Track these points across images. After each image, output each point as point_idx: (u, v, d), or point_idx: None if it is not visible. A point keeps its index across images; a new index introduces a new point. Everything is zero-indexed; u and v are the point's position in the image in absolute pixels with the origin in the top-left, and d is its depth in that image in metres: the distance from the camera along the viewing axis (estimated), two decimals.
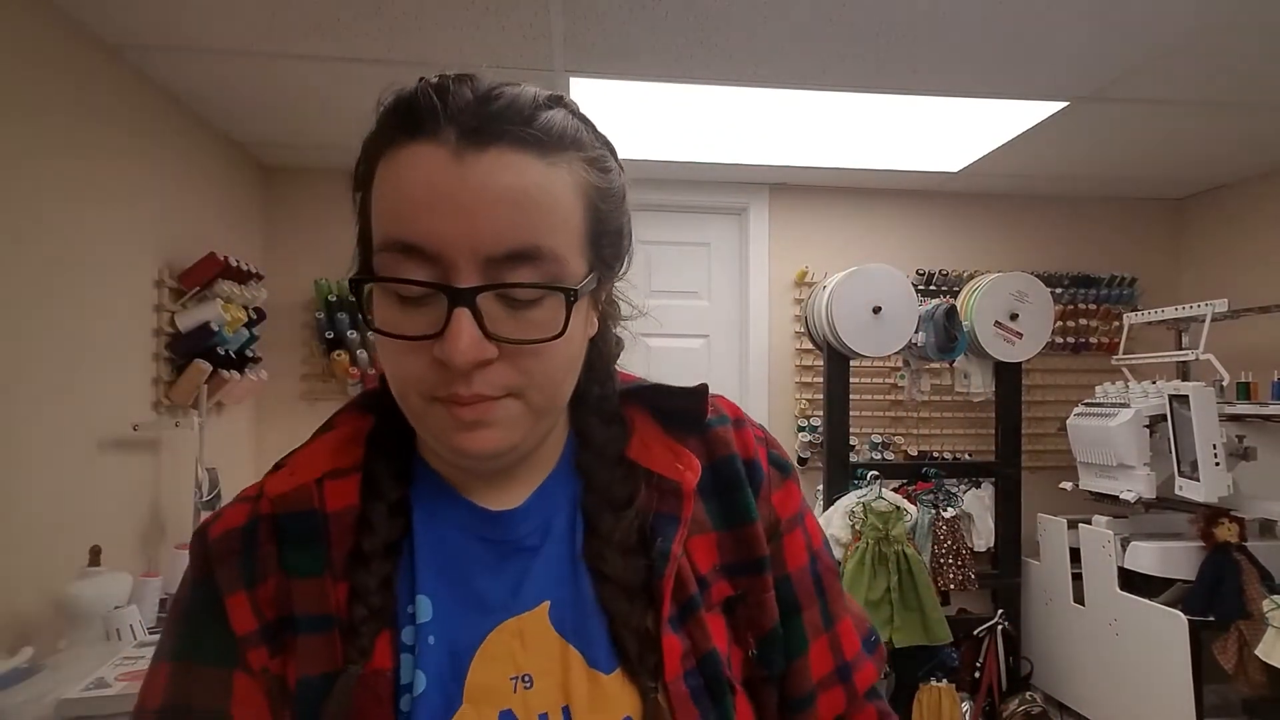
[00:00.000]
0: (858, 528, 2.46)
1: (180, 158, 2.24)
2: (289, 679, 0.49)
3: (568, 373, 0.52)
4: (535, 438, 0.53)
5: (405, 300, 0.47)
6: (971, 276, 2.93)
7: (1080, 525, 2.60)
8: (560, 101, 0.51)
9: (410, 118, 0.47)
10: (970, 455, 3.05)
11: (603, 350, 0.60)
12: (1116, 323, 3.04)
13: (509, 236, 0.46)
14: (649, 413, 0.60)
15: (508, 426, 0.49)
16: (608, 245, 0.54)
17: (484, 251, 0.45)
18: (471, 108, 0.46)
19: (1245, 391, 2.42)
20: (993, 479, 2.81)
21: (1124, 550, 2.42)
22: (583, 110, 0.53)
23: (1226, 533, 2.24)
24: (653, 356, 2.98)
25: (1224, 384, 2.38)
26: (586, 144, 0.51)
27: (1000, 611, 2.67)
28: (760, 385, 3.04)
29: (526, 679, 0.50)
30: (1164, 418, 2.33)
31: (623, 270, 0.58)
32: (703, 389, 0.59)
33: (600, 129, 0.54)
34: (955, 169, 2.81)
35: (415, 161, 0.46)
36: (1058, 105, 2.20)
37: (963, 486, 2.83)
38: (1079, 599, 2.59)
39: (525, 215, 0.46)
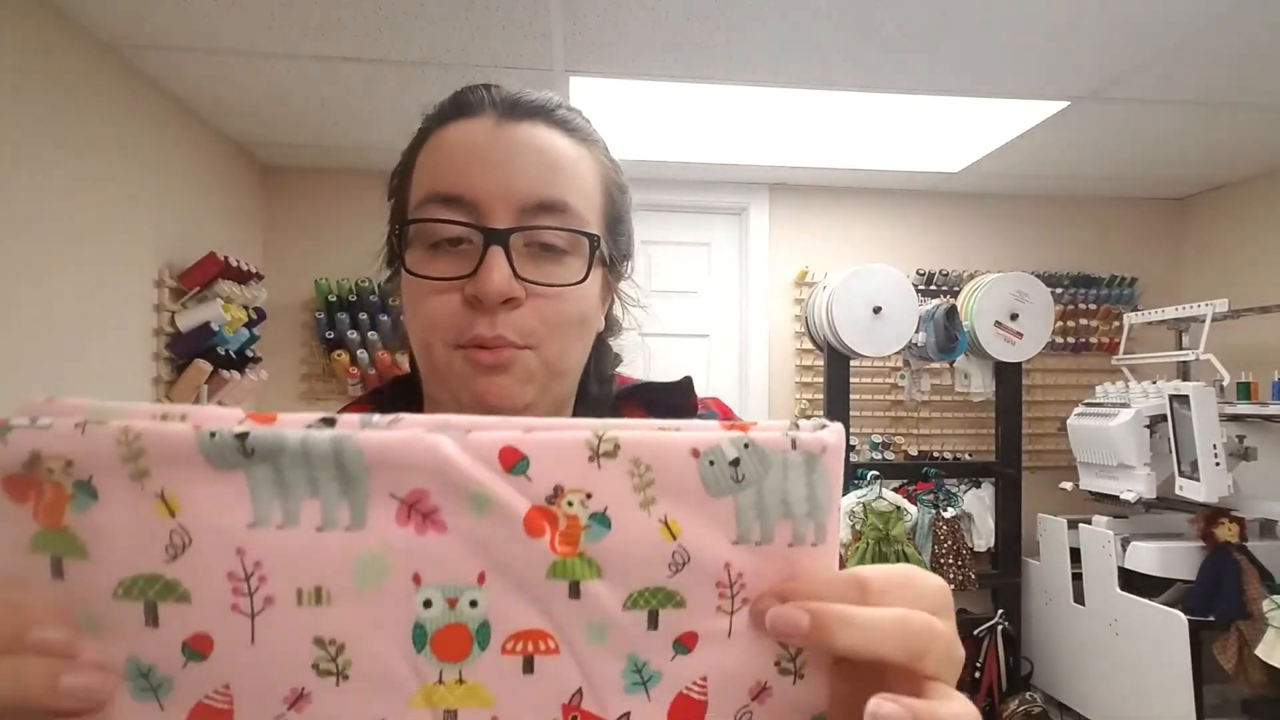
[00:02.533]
0: (858, 528, 2.47)
1: (180, 158, 2.24)
2: None
3: (580, 333, 0.54)
4: (543, 406, 0.54)
5: (438, 249, 0.51)
6: (971, 276, 2.93)
7: (1080, 525, 2.59)
8: (580, 113, 0.58)
9: (455, 105, 0.54)
10: (970, 455, 3.04)
11: (607, 348, 0.64)
12: (1116, 323, 3.04)
13: (540, 189, 0.51)
14: (644, 410, 0.62)
15: (523, 379, 0.51)
16: (621, 235, 0.58)
17: (517, 201, 0.50)
18: (509, 98, 0.54)
19: (1245, 391, 2.42)
20: (993, 479, 2.81)
21: (1124, 550, 2.42)
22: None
23: (1227, 533, 2.24)
24: (653, 356, 2.98)
25: (1224, 384, 2.38)
26: (601, 143, 0.58)
27: (1000, 611, 2.67)
28: (760, 385, 3.04)
29: None
30: (1164, 418, 2.33)
31: (628, 270, 0.62)
32: (687, 381, 0.62)
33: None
34: (955, 169, 2.81)
35: (458, 132, 0.53)
36: (1058, 105, 2.20)
37: (963, 486, 2.83)
38: (1079, 599, 2.59)
39: (555, 173, 0.51)
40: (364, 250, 0.57)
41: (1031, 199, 3.19)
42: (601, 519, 0.33)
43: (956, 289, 2.89)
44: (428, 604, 0.32)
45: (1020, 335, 2.66)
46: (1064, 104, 2.19)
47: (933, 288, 2.99)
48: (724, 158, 2.74)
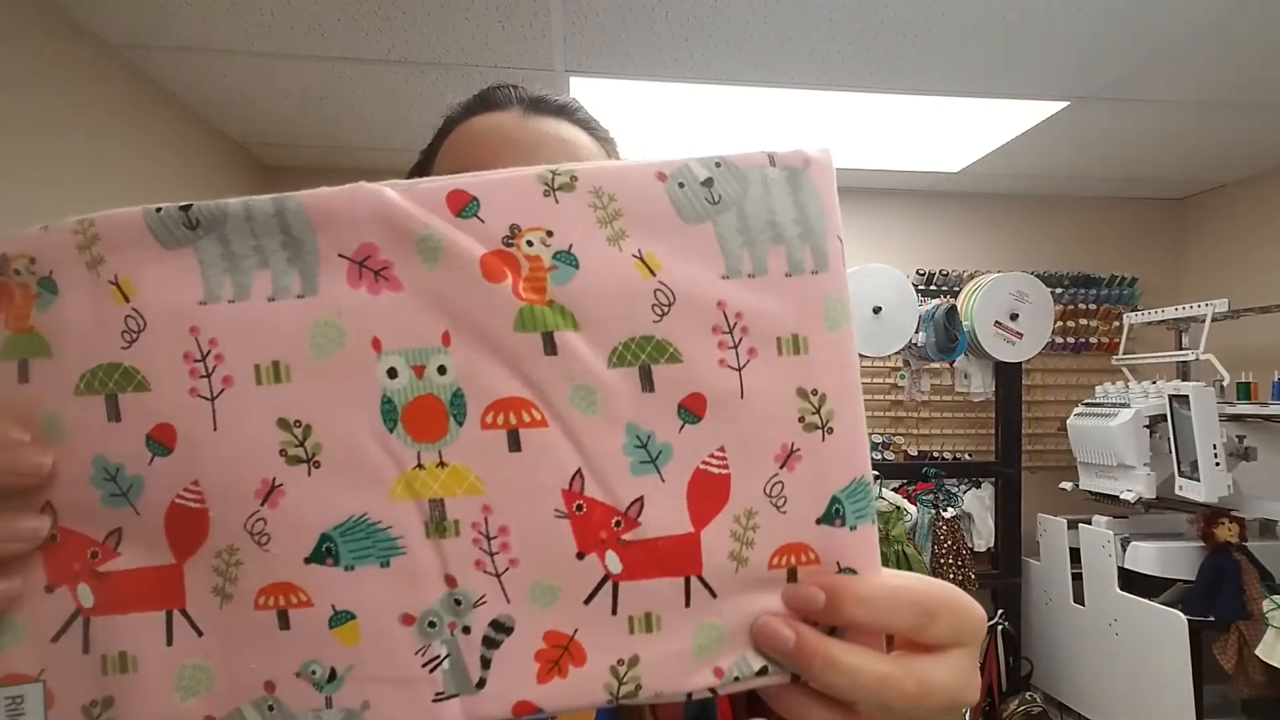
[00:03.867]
0: None
1: (180, 158, 2.23)
2: None
3: None
4: None
5: None
6: (971, 276, 2.93)
7: (1080, 525, 2.59)
8: (599, 122, 0.61)
9: (481, 101, 0.57)
10: (970, 455, 3.04)
11: None
12: (1116, 323, 3.04)
13: None
14: None
15: None
16: None
17: None
18: (534, 96, 0.57)
19: (1245, 391, 2.41)
20: (993, 479, 2.81)
21: (1124, 550, 2.42)
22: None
23: (1226, 533, 2.24)
24: None
25: (1224, 384, 2.38)
26: (617, 147, 0.61)
27: (1000, 611, 2.67)
28: None
29: None
30: (1164, 418, 2.32)
31: None
32: None
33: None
34: (955, 169, 2.81)
35: (486, 121, 0.55)
36: (1058, 105, 2.20)
37: (963, 486, 2.83)
38: (1079, 599, 2.59)
39: (579, 160, 0.53)
40: None
41: (1031, 199, 3.18)
42: (567, 257, 0.30)
43: (956, 289, 2.89)
44: (392, 373, 0.30)
45: (1020, 335, 2.66)
46: (1064, 104, 2.19)
47: (933, 288, 2.99)
48: None
